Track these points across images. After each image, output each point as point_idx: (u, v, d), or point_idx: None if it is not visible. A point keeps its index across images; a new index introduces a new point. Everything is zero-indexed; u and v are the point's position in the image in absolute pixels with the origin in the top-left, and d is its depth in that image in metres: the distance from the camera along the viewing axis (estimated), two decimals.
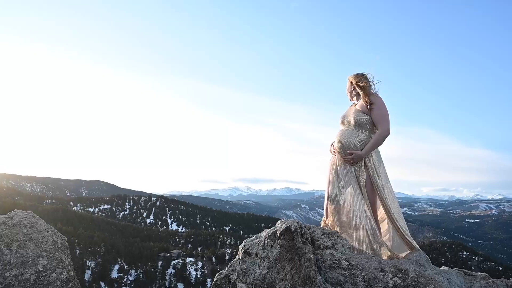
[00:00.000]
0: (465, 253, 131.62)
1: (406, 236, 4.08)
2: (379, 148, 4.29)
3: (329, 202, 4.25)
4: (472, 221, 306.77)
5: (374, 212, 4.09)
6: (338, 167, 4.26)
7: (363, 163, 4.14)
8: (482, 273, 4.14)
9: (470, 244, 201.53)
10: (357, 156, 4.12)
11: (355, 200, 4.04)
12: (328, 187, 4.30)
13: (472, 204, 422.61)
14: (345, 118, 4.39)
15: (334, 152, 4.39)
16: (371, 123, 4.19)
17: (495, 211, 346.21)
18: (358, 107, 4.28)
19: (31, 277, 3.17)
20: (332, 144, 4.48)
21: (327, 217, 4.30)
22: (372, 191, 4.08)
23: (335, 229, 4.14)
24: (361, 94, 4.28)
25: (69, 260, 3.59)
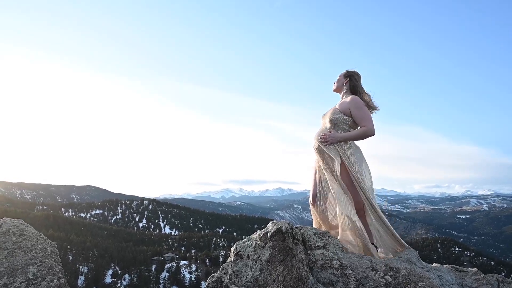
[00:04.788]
0: (457, 249, 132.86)
1: (395, 234, 4.07)
2: (360, 147, 4.26)
3: (313, 204, 4.21)
4: (464, 217, 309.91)
5: (359, 210, 4.01)
6: (320, 168, 4.20)
7: (341, 165, 4.03)
8: (473, 269, 4.17)
9: (462, 240, 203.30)
10: (334, 136, 4.07)
11: (339, 201, 3.98)
12: (312, 189, 4.26)
13: (463, 200, 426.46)
14: (323, 117, 4.35)
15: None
16: (348, 123, 4.13)
17: (486, 206, 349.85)
18: (337, 106, 4.23)
19: (21, 286, 3.14)
20: None
21: (313, 218, 4.29)
22: (355, 191, 3.99)
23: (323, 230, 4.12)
24: (346, 88, 4.30)
25: (59, 267, 3.55)
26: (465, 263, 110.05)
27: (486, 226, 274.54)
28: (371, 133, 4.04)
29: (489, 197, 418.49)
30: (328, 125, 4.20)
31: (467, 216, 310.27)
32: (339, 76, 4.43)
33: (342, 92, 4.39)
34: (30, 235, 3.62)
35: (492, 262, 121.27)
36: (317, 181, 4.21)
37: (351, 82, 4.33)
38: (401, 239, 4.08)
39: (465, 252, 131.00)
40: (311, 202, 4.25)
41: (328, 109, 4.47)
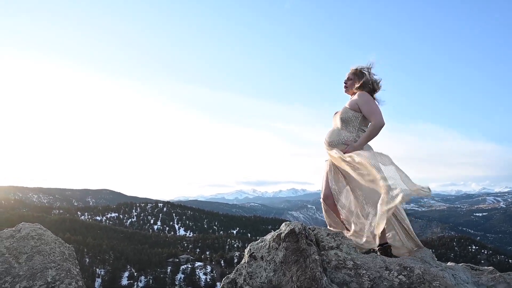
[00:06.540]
0: (474, 247, 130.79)
1: (411, 234, 4.06)
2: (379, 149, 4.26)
3: (324, 203, 4.22)
4: (480, 214, 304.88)
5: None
6: (332, 167, 4.21)
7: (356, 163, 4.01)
8: (489, 267, 4.12)
9: (478, 238, 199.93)
10: (354, 147, 4.04)
11: (352, 199, 4.00)
12: (323, 188, 4.26)
13: (479, 198, 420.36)
14: (334, 117, 4.38)
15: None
16: (358, 119, 4.16)
17: (503, 203, 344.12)
18: (347, 104, 4.26)
19: None
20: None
21: (326, 218, 4.28)
22: (370, 189, 3.91)
23: (336, 228, 4.12)
24: (354, 83, 4.31)
25: (77, 270, 3.61)
26: (482, 262, 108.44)
27: (503, 223, 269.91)
28: (380, 125, 4.02)
29: (506, 194, 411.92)
30: (339, 124, 4.24)
31: (484, 214, 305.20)
32: (351, 77, 4.39)
33: (353, 91, 4.41)
34: (48, 239, 3.69)
35: (510, 260, 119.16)
36: (329, 179, 4.21)
37: (360, 81, 4.31)
38: (418, 239, 4.07)
39: (482, 250, 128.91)
40: (323, 201, 4.26)
41: (337, 109, 4.49)
